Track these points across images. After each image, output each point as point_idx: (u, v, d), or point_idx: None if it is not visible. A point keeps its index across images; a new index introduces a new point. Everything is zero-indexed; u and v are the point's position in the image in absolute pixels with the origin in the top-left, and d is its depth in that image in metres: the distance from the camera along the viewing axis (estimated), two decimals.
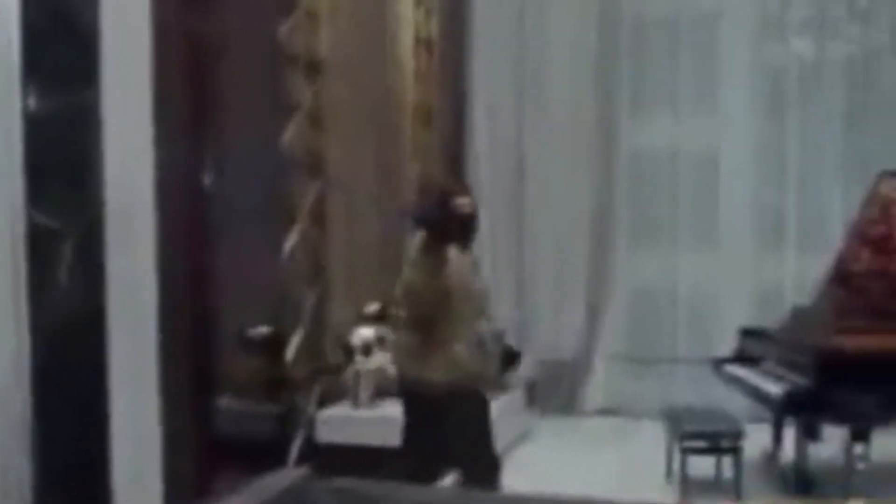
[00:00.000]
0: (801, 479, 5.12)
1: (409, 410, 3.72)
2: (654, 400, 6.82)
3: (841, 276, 5.08)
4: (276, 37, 4.50)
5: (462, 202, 3.63)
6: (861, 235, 4.97)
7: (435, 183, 3.93)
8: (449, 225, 3.58)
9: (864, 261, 5.00)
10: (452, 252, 3.49)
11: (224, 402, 4.32)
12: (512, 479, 5.13)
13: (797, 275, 6.49)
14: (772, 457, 5.60)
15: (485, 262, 7.16)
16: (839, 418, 4.65)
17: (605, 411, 7.13)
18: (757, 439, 5.43)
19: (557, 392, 7.15)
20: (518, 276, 7.24)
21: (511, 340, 6.91)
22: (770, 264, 6.93)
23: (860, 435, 4.58)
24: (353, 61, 5.23)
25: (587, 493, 4.88)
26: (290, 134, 4.59)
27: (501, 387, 3.82)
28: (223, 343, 4.27)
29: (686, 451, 4.98)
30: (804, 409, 4.72)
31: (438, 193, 3.75)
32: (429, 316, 3.52)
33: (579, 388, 7.19)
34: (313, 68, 4.77)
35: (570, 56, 7.10)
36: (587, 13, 7.06)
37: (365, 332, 4.76)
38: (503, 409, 5.71)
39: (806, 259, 6.41)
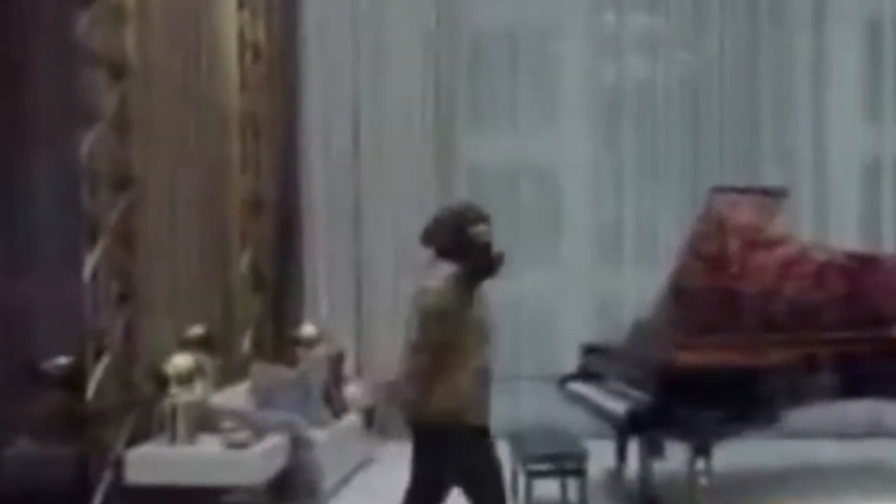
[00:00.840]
0: (645, 497, 5.05)
1: (415, 439, 3.53)
2: (500, 419, 6.61)
3: (678, 292, 5.03)
4: (74, 32, 3.98)
5: (480, 230, 3.33)
6: (696, 251, 4.94)
7: (449, 208, 3.52)
8: (465, 254, 3.27)
9: (700, 276, 4.97)
10: (459, 280, 3.23)
11: (15, 445, 3.78)
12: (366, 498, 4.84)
13: (637, 289, 6.46)
14: (617, 474, 5.52)
15: (320, 282, 6.84)
16: (681, 435, 4.58)
17: None
18: (603, 456, 5.37)
19: (397, 414, 6.83)
20: (356, 296, 6.92)
21: (348, 363, 6.64)
22: (610, 278, 6.90)
23: (702, 450, 4.52)
24: (166, 64, 4.78)
25: None
26: (91, 143, 4.08)
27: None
28: (12, 379, 3.72)
29: (531, 475, 4.82)
30: (646, 428, 4.62)
31: (453, 220, 3.40)
32: (437, 343, 3.29)
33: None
34: (118, 70, 4.29)
35: (407, 67, 6.88)
36: (425, 24, 6.87)
37: (181, 361, 4.30)
38: (339, 436, 5.42)
39: (644, 273, 6.41)
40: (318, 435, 5.05)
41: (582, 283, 6.92)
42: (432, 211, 6.72)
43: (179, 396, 4.21)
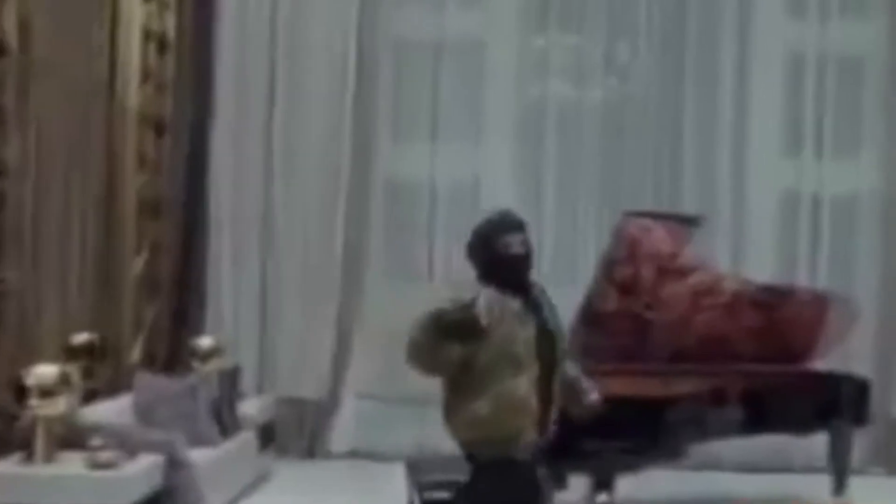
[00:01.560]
0: None
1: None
2: (407, 442, 6.44)
3: (589, 317, 4.87)
4: None
5: (510, 240, 3.07)
6: (607, 276, 4.80)
7: (486, 217, 3.21)
8: (494, 266, 3.04)
9: (612, 301, 4.83)
10: (485, 294, 2.95)
11: None
12: None
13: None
14: None
15: (224, 291, 6.53)
16: (582, 467, 4.40)
17: (354, 454, 6.64)
18: None
19: (300, 434, 6.56)
20: (260, 308, 6.61)
21: (249, 378, 6.33)
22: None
23: (604, 483, 4.34)
24: (53, 49, 4.43)
25: None
26: None
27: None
28: None
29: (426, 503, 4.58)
30: (545, 458, 4.41)
31: (483, 229, 3.13)
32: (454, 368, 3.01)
33: (325, 429, 6.64)
34: None
35: (326, 72, 6.62)
36: (346, 28, 6.60)
37: (44, 371, 3.94)
38: (228, 455, 5.11)
39: (561, 295, 6.17)
40: (203, 454, 4.74)
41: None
42: (349, 226, 6.60)
43: (40, 410, 3.86)
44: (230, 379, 5.37)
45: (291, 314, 6.56)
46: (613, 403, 4.30)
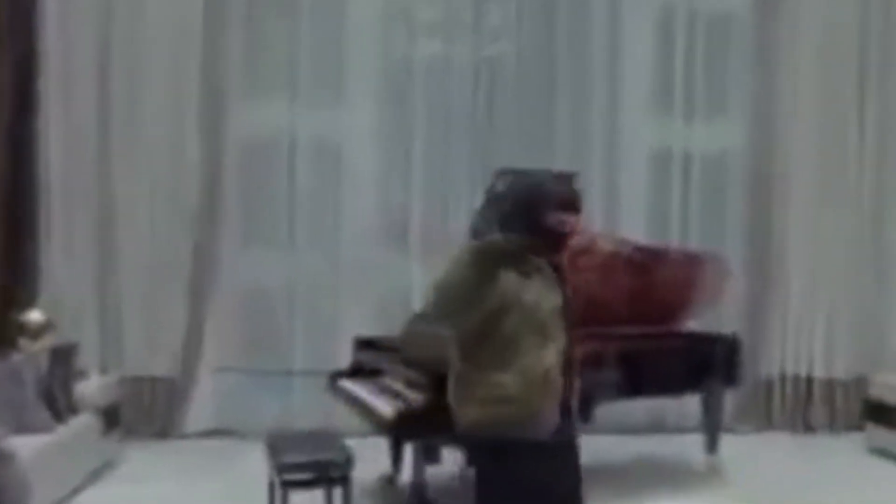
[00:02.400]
0: None
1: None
2: (271, 418, 6.04)
3: None
4: None
5: (566, 219, 2.79)
6: (480, 236, 4.47)
7: (537, 182, 2.89)
8: (535, 232, 2.77)
9: None
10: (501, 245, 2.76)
11: None
12: None
13: (424, 278, 5.95)
14: (390, 480, 5.02)
15: (58, 266, 5.91)
16: (455, 440, 4.11)
17: (213, 433, 6.18)
18: (380, 459, 4.98)
19: (151, 415, 6.05)
20: (100, 281, 6.02)
21: (91, 355, 5.77)
22: (396, 265, 6.39)
23: None
24: None
25: None
26: None
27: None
28: None
29: (286, 485, 4.21)
30: (414, 433, 4.12)
31: (538, 199, 2.80)
32: (471, 332, 2.72)
33: (180, 407, 6.14)
34: None
35: (170, 27, 6.03)
36: None
37: None
38: (63, 442, 4.59)
39: (433, 263, 5.89)
40: (32, 442, 4.22)
41: (365, 270, 6.34)
42: (201, 188, 6.07)
43: None
44: (63, 357, 4.80)
45: (137, 287, 6.02)
46: None
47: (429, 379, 4.05)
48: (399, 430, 4.07)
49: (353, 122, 6.38)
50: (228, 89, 6.15)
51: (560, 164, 6.21)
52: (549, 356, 2.72)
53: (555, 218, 2.77)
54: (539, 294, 2.74)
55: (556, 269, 2.85)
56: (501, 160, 6.04)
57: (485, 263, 2.75)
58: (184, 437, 6.13)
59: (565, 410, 2.79)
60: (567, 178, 4.79)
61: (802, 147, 6.60)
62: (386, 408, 4.21)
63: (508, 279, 2.71)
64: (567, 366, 2.79)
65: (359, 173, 6.33)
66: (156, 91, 6.02)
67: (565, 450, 2.81)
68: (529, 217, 2.77)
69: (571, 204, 2.83)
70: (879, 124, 6.67)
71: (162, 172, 6.04)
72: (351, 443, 4.56)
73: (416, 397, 4.14)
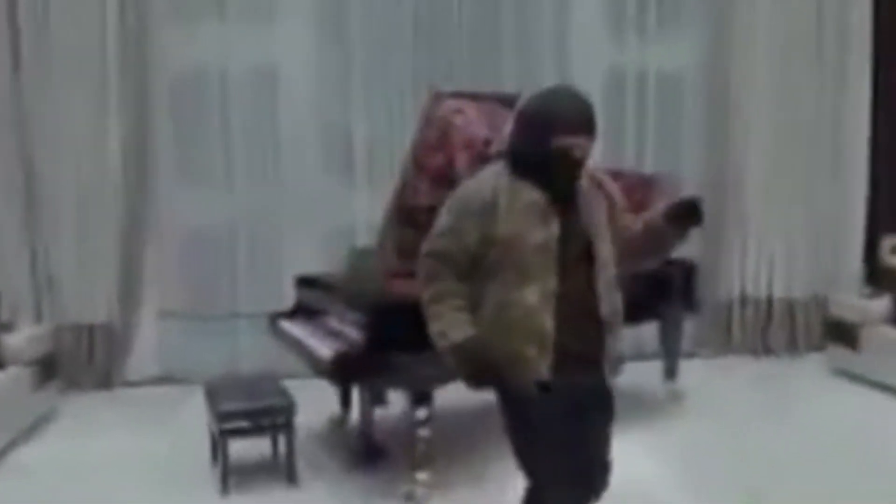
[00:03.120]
0: (366, 451, 4.42)
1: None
2: (217, 364, 5.84)
3: (401, 213, 4.33)
4: None
5: (571, 142, 2.48)
6: (419, 164, 4.22)
7: (539, 108, 2.56)
8: (542, 167, 2.51)
9: (425, 194, 4.27)
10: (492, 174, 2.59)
11: None
12: (22, 477, 4.16)
13: (371, 209, 5.68)
14: (340, 424, 4.86)
15: None
16: (396, 382, 3.94)
17: (158, 380, 5.97)
18: (330, 400, 4.84)
19: (91, 363, 5.80)
20: (28, 225, 5.67)
21: (23, 306, 5.51)
22: (339, 198, 6.12)
23: (422, 398, 3.90)
24: None
25: (118, 482, 4.11)
26: None
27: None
28: None
29: (225, 434, 4.04)
30: (355, 375, 3.93)
31: (541, 123, 2.51)
32: (470, 265, 2.56)
33: (122, 355, 5.90)
34: None
35: None
36: None
37: None
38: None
39: (379, 191, 5.63)
40: None
41: (308, 204, 6.07)
42: (129, 123, 5.70)
43: None
44: None
45: (67, 232, 5.69)
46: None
47: (368, 318, 3.84)
48: (337, 373, 3.85)
49: (287, 45, 5.98)
50: (151, 15, 5.73)
51: (509, 86, 5.93)
52: (530, 297, 2.48)
53: (564, 141, 2.49)
54: (525, 225, 2.50)
55: (563, 194, 2.56)
56: (446, 82, 5.78)
57: (467, 202, 2.58)
58: (128, 385, 5.90)
59: (563, 363, 2.51)
60: (509, 99, 4.55)
61: (760, 64, 6.36)
62: (324, 350, 4.00)
63: (488, 215, 2.52)
64: (566, 311, 2.50)
65: (296, 100, 5.97)
66: (70, 21, 5.58)
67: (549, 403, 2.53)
68: (536, 141, 2.52)
69: (584, 126, 2.52)
70: (838, 38, 6.43)
71: (84, 109, 5.65)
72: (301, 385, 4.43)
73: (355, 338, 3.93)
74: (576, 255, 2.52)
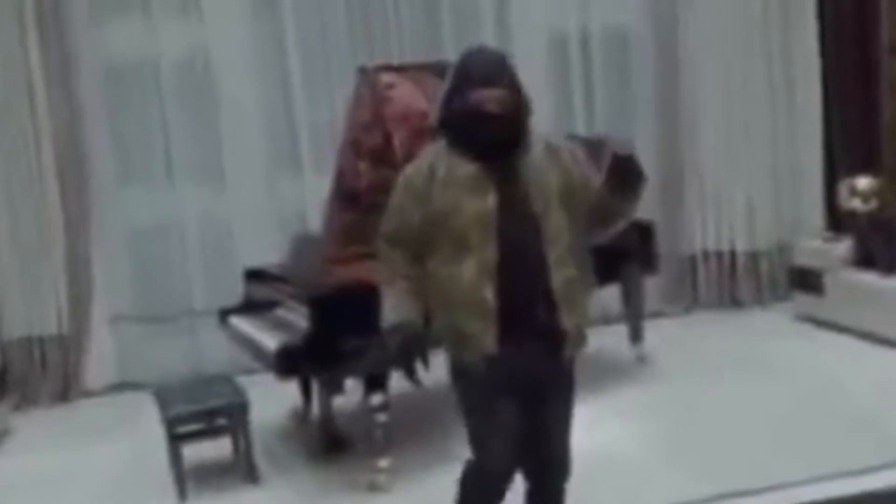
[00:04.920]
0: (327, 442, 4.33)
1: None
2: (177, 364, 5.70)
3: (343, 195, 4.21)
4: None
5: (483, 95, 2.41)
6: (356, 145, 4.10)
7: (452, 73, 2.55)
8: (459, 127, 2.47)
9: (365, 174, 4.16)
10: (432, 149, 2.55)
11: None
12: None
13: (320, 195, 5.49)
14: (303, 416, 4.76)
15: None
16: (346, 370, 3.83)
17: (118, 387, 5.81)
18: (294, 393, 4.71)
19: (46, 376, 5.65)
20: None
21: None
22: (286, 186, 5.97)
23: (376, 384, 3.79)
24: None
25: (74, 495, 4.06)
26: None
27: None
28: None
29: (177, 438, 3.93)
30: (302, 367, 3.82)
31: (454, 86, 2.50)
32: (417, 244, 2.53)
33: (77, 365, 5.73)
34: None
35: None
36: None
37: None
38: None
39: (326, 176, 5.47)
40: None
41: (256, 194, 5.92)
42: (51, 125, 5.46)
43: None
44: None
45: (4, 242, 5.49)
46: (370, 292, 3.75)
47: (311, 307, 3.73)
48: (283, 366, 3.73)
49: (218, 34, 5.77)
50: (71, 12, 5.51)
51: (448, 53, 5.79)
52: (467, 270, 2.41)
53: (475, 96, 2.42)
54: (455, 197, 2.42)
55: (500, 163, 2.47)
56: (384, 55, 5.64)
57: (409, 180, 2.56)
58: (86, 395, 5.74)
59: (509, 337, 2.44)
60: (443, 68, 4.42)
61: (707, 16, 6.23)
62: (270, 343, 3.88)
63: (427, 191, 2.47)
64: (511, 284, 2.42)
65: (234, 89, 5.78)
66: None
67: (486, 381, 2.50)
68: (452, 101, 2.49)
69: (492, 77, 2.44)
70: None
71: (10, 113, 5.43)
72: (263, 380, 4.31)
73: (301, 328, 3.81)
74: (519, 227, 2.44)
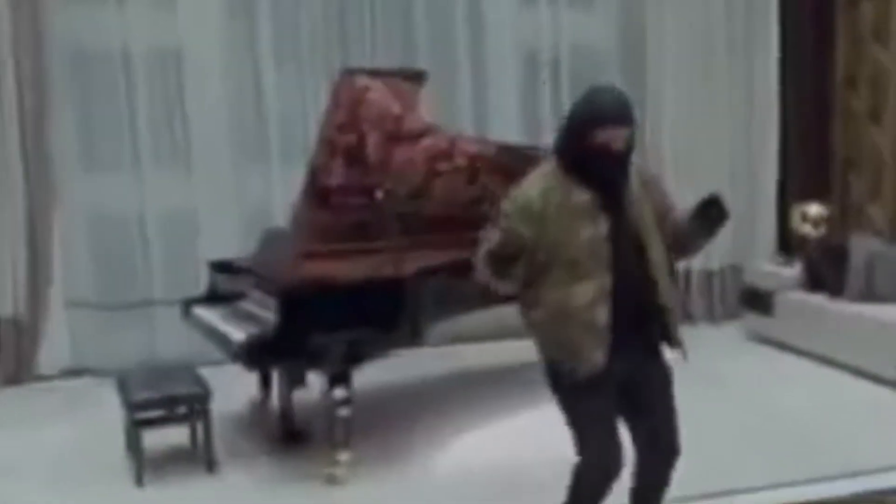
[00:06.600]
0: (286, 434, 4.37)
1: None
2: (133, 352, 5.68)
3: (314, 194, 4.26)
4: None
5: (613, 135, 2.52)
6: (331, 144, 4.16)
7: (577, 107, 2.62)
8: (583, 160, 2.56)
9: (338, 174, 4.22)
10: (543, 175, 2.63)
11: None
12: None
13: (287, 191, 5.54)
14: (261, 407, 4.78)
15: None
16: (311, 364, 3.89)
17: (71, 373, 5.77)
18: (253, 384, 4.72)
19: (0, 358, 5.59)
20: None
21: None
22: (254, 180, 6.00)
23: (339, 378, 3.85)
24: None
25: (27, 478, 4.01)
26: None
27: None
28: None
29: (139, 424, 3.95)
30: (268, 358, 3.87)
31: (579, 121, 2.58)
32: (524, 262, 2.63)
33: (31, 348, 5.68)
34: None
35: None
36: None
37: None
38: None
39: (294, 172, 5.50)
40: None
41: (222, 187, 5.93)
42: (17, 108, 5.41)
43: None
44: None
45: None
46: (338, 288, 3.83)
47: (280, 301, 3.77)
48: (249, 357, 3.78)
49: (191, 24, 5.78)
50: None
51: (420, 60, 5.90)
52: (583, 294, 2.55)
53: (601, 135, 2.53)
54: (570, 225, 2.55)
55: (611, 193, 2.60)
56: (358, 60, 5.71)
57: (519, 204, 2.62)
58: (39, 380, 5.70)
59: (617, 351, 2.59)
60: (418, 75, 4.52)
61: (673, 35, 6.42)
62: (237, 334, 3.92)
63: (539, 215, 2.57)
64: (618, 303, 2.58)
65: (204, 80, 5.79)
66: None
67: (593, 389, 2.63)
68: (576, 136, 2.58)
69: (619, 117, 2.55)
70: (748, 15, 6.55)
71: None
72: (222, 371, 4.36)
73: (268, 321, 3.86)
74: (627, 255, 2.59)
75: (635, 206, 2.63)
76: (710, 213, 2.60)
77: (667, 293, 2.67)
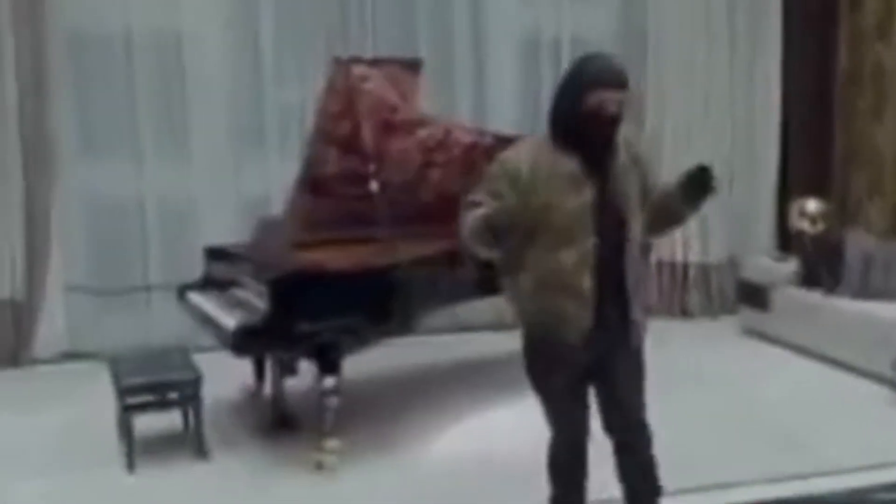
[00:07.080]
0: (277, 421, 4.39)
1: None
2: (129, 337, 5.69)
3: (309, 182, 4.27)
4: None
5: (606, 97, 2.50)
6: (325, 133, 4.17)
7: (570, 72, 2.60)
8: (575, 125, 2.54)
9: (332, 163, 4.24)
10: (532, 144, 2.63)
11: None
12: None
13: (284, 178, 5.54)
14: (255, 394, 4.79)
15: None
16: (302, 352, 3.90)
17: (67, 357, 5.79)
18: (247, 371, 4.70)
19: None
20: None
21: None
22: (252, 168, 6.00)
23: (329, 368, 3.86)
24: None
25: (20, 460, 4.04)
26: None
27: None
28: None
29: (130, 409, 3.96)
30: (259, 346, 3.88)
31: (572, 85, 2.56)
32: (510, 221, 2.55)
33: (28, 331, 5.70)
34: None
35: None
36: None
37: None
38: None
39: (291, 161, 5.51)
40: None
41: (220, 173, 5.94)
42: (25, 95, 5.43)
43: None
44: None
45: None
46: (330, 277, 3.84)
47: (272, 288, 3.78)
48: (240, 344, 3.79)
49: (192, 8, 5.78)
50: None
51: (421, 49, 5.88)
52: (568, 259, 2.55)
53: (595, 97, 2.50)
54: (556, 191, 2.54)
55: (598, 161, 2.58)
56: (359, 49, 5.70)
57: (506, 170, 2.59)
58: (35, 363, 5.72)
59: (603, 317, 2.60)
60: (415, 63, 4.51)
61: (675, 28, 6.40)
62: (229, 321, 3.93)
63: (526, 183, 2.55)
64: (601, 275, 2.57)
65: (204, 66, 5.79)
66: None
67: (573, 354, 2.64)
68: (569, 101, 2.55)
69: (612, 79, 2.52)
70: (751, 11, 6.52)
71: None
72: (216, 357, 4.34)
73: (261, 308, 3.87)
74: (609, 225, 2.59)
75: (621, 177, 2.61)
76: (699, 181, 2.58)
77: (634, 272, 2.64)
